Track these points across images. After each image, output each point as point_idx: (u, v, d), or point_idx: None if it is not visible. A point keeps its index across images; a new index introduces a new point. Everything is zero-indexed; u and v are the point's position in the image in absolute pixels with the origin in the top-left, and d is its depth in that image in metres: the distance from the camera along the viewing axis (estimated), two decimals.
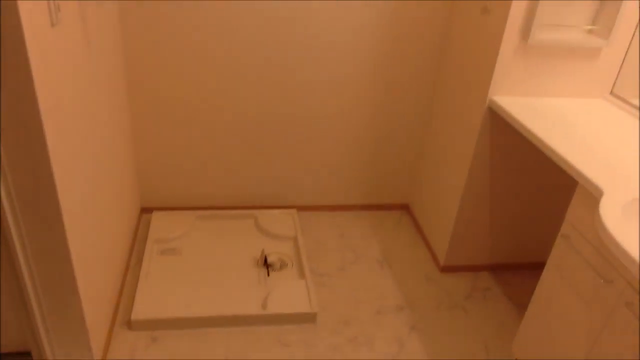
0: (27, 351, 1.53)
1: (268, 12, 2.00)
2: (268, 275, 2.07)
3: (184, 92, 2.13)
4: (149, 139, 2.22)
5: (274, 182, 2.45)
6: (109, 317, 1.78)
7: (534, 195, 2.09)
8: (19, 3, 1.01)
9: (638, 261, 1.07)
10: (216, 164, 2.34)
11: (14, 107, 1.12)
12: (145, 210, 2.40)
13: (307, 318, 1.89)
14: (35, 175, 1.20)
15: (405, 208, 2.66)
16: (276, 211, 2.44)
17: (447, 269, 2.24)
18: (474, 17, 1.94)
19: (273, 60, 2.12)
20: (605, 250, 1.28)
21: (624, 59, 1.85)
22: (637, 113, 1.78)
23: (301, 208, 2.55)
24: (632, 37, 1.80)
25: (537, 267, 2.29)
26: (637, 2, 1.72)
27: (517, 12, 1.70)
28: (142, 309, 1.82)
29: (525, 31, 1.73)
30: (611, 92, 1.91)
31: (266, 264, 2.10)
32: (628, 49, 1.82)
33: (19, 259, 1.31)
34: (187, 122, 2.21)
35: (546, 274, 1.53)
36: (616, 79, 1.89)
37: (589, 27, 1.80)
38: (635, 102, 1.81)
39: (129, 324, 1.81)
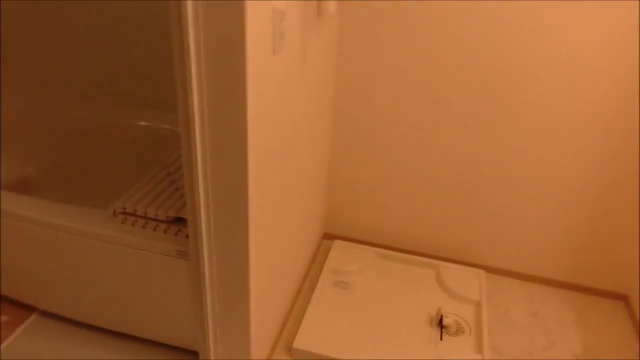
0: (195, 351, 1.62)
1: (489, 57, 1.82)
2: (441, 338, 1.85)
3: (387, 128, 2.06)
4: (344, 166, 2.21)
5: (464, 234, 2.21)
6: (273, 337, 1.77)
7: None
8: (247, 30, 1.03)
9: None
10: (406, 203, 2.21)
11: (223, 125, 1.15)
12: (327, 236, 2.39)
13: None
14: (230, 187, 1.23)
15: (622, 299, 2.16)
16: (462, 267, 2.20)
17: None
18: None
19: (482, 104, 1.91)
20: None
21: None
22: None
23: (490, 270, 2.26)
24: None
25: None
26: None
27: None
28: (305, 339, 1.77)
29: None
30: None
31: (441, 325, 1.89)
32: None
33: (204, 267, 1.36)
34: (383, 156, 2.13)
35: None
36: None
37: None
38: None
39: (289, 350, 1.77)
